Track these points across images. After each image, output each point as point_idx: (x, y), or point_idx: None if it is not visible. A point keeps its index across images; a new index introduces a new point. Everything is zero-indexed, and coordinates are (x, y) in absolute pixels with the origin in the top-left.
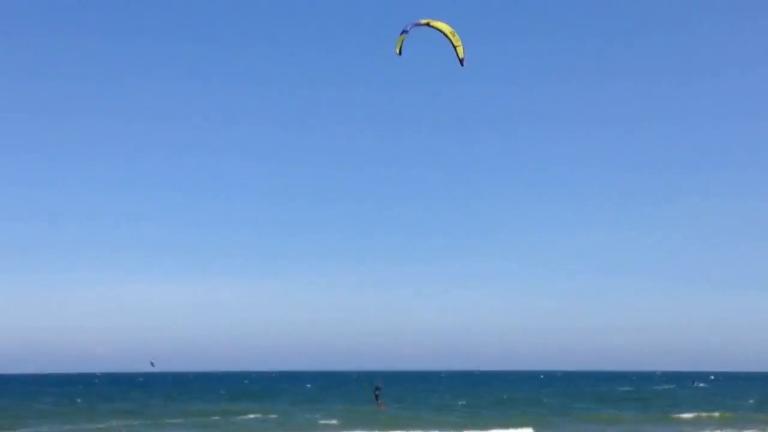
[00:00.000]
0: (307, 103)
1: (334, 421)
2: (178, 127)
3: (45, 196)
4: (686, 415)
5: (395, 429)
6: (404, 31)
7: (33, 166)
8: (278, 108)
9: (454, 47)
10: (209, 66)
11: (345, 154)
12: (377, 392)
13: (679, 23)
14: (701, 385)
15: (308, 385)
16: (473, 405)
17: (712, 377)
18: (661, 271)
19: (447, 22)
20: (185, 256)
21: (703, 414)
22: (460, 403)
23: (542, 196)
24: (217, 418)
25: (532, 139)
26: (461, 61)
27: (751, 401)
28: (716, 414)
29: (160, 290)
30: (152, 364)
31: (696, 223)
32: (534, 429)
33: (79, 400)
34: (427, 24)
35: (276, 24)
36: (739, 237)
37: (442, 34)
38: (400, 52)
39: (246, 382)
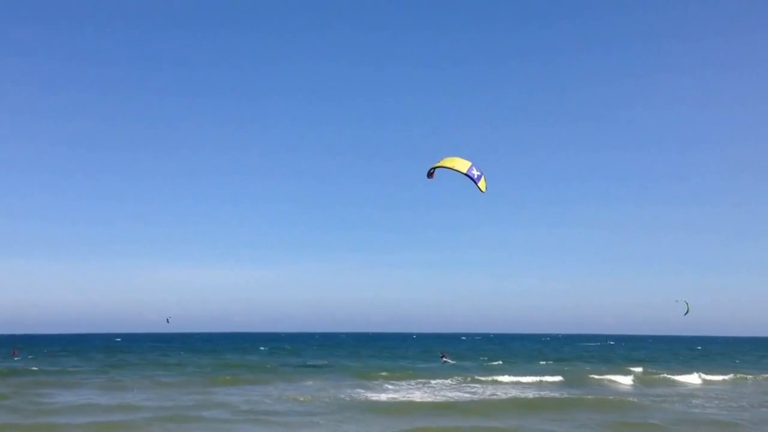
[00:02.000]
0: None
1: None
2: None
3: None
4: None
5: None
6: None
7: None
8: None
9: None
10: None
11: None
12: (443, 356)
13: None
14: (611, 343)
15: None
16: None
17: (612, 341)
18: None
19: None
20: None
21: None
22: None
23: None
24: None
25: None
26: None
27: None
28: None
29: (193, 272)
30: (168, 321)
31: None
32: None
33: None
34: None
35: None
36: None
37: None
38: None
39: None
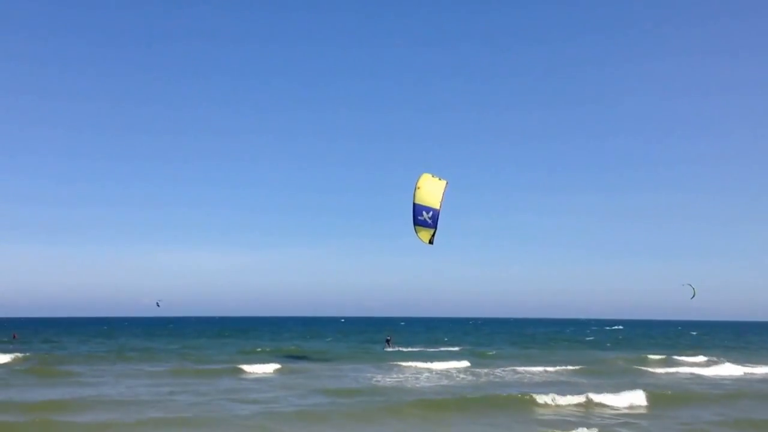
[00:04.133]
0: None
1: None
2: None
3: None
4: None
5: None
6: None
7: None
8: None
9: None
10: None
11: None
12: (389, 339)
13: None
14: (619, 327)
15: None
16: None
17: (621, 326)
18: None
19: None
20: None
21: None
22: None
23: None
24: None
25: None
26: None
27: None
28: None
29: (187, 257)
30: (158, 304)
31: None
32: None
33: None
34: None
35: None
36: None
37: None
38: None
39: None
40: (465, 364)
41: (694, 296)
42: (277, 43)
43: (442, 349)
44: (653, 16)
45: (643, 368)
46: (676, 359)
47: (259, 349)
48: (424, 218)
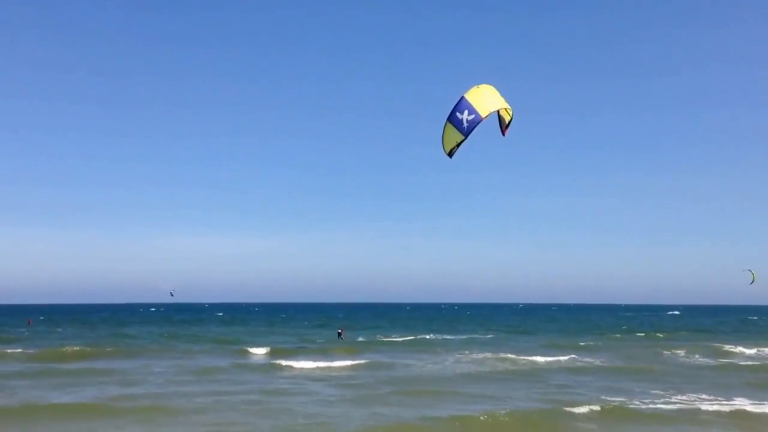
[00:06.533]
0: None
1: None
2: None
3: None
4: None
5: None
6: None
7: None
8: None
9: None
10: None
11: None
12: (340, 331)
13: None
14: (676, 313)
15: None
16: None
17: (677, 312)
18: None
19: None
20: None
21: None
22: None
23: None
24: None
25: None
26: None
27: None
28: None
29: (203, 243)
30: (171, 294)
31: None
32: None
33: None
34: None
35: None
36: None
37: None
38: (451, 155)
39: (283, 315)
40: (552, 358)
41: (753, 281)
42: (300, 9)
43: (515, 338)
44: None
45: None
46: None
47: (292, 340)
48: (462, 118)
